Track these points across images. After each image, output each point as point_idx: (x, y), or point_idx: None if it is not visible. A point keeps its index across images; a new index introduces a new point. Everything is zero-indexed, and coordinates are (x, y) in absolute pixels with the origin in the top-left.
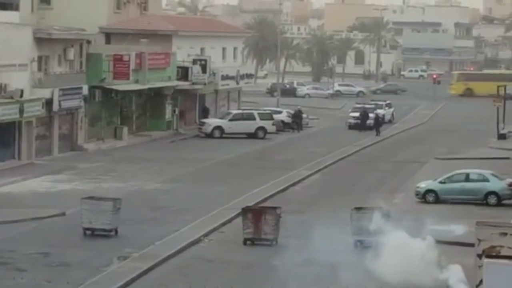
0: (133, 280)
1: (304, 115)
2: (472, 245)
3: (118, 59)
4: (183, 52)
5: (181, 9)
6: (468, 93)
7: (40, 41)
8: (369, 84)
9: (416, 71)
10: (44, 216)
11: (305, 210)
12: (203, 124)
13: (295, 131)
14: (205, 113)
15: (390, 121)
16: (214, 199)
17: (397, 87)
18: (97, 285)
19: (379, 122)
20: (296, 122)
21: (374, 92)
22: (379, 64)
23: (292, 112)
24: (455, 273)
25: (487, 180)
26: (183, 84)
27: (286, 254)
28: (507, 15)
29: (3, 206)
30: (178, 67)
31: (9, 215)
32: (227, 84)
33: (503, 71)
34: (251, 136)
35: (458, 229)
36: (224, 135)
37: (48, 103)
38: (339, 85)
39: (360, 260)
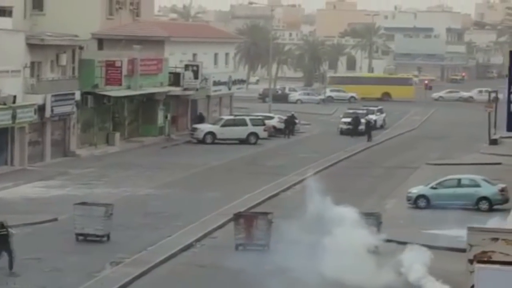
0: (125, 286)
1: (296, 121)
2: (463, 250)
3: (110, 65)
4: (175, 58)
5: (173, 15)
6: None
7: (32, 47)
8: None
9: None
10: (37, 222)
11: (297, 215)
12: (195, 129)
13: (286, 137)
14: (200, 119)
15: (381, 127)
16: (206, 205)
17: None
18: None
19: (371, 127)
20: (288, 127)
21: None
22: (370, 69)
23: (285, 117)
24: (409, 256)
25: (478, 186)
26: (175, 90)
27: (278, 260)
28: (498, 21)
29: None
30: (170, 72)
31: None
32: (219, 90)
33: (369, 74)
34: (243, 141)
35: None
36: (216, 141)
37: (41, 109)
38: (331, 90)
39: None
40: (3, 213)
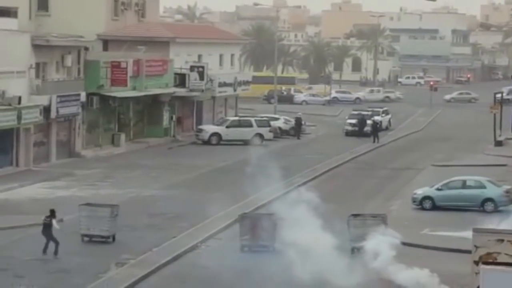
0: (130, 287)
1: (302, 122)
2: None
3: (115, 66)
4: (180, 59)
5: (179, 16)
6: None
7: (38, 48)
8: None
9: (413, 78)
10: (42, 223)
11: (302, 217)
12: (200, 131)
13: (296, 138)
14: None
15: (387, 128)
16: (211, 206)
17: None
18: None
19: (377, 128)
20: (296, 129)
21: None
22: (376, 71)
23: (291, 119)
24: (372, 239)
25: (484, 187)
26: (181, 91)
27: (283, 261)
28: (504, 22)
29: (1, 212)
30: (176, 74)
31: (6, 222)
32: (224, 91)
33: (258, 73)
34: (248, 143)
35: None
36: (221, 142)
37: (46, 109)
38: (336, 91)
39: (355, 265)
40: (9, 214)
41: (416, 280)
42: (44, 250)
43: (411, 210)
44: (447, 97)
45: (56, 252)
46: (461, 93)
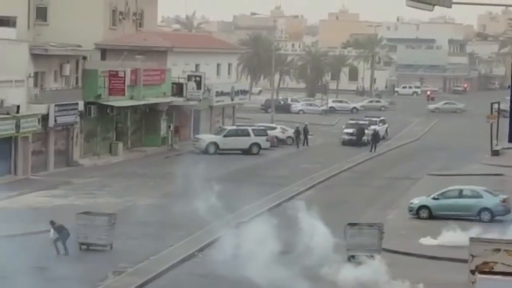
0: None
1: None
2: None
3: (113, 75)
4: (178, 68)
5: (176, 26)
6: None
7: (36, 57)
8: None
9: (410, 87)
10: (40, 231)
11: (298, 226)
12: (197, 140)
13: (305, 145)
14: None
15: (383, 138)
16: (208, 215)
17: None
18: None
19: (377, 138)
20: (305, 136)
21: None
22: (373, 80)
23: (288, 128)
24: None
25: (480, 197)
26: (178, 100)
27: (280, 269)
28: (501, 32)
29: None
30: (173, 83)
31: (4, 230)
32: (222, 100)
33: None
34: (246, 152)
35: None
36: (218, 151)
37: (44, 118)
38: (333, 101)
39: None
40: (7, 222)
41: (355, 278)
42: (66, 252)
43: (407, 220)
44: (358, 105)
45: (66, 251)
46: (371, 101)
